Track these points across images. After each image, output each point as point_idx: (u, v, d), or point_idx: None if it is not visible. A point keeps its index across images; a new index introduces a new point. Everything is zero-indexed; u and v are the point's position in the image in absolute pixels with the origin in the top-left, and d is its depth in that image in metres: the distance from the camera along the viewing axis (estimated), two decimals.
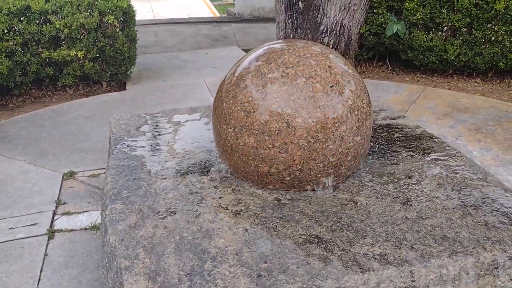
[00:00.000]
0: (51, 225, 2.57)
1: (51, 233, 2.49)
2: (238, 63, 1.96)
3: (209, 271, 1.43)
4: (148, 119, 2.62)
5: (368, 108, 1.87)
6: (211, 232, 1.61)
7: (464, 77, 5.07)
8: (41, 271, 2.22)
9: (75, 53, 4.46)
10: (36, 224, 2.58)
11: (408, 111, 4.09)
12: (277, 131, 1.73)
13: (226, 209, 1.74)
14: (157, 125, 2.53)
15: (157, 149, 2.24)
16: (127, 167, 2.05)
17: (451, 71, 5.06)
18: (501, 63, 4.66)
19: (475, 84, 4.92)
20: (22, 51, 4.40)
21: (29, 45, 4.45)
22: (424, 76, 5.18)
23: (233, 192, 1.86)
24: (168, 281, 1.38)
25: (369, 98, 1.93)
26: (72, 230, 2.54)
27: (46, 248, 2.38)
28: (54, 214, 2.68)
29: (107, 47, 4.63)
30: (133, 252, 1.50)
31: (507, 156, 3.28)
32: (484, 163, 3.19)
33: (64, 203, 2.79)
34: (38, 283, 2.14)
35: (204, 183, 1.93)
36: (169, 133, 2.43)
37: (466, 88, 4.84)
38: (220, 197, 1.82)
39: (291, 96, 1.73)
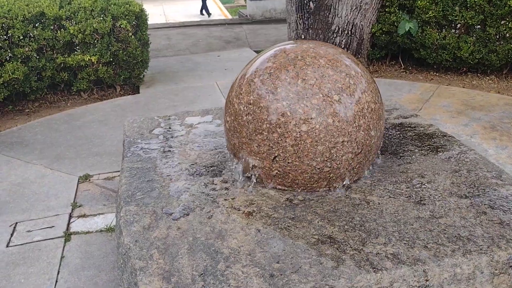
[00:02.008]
0: (68, 228, 2.62)
1: (67, 236, 2.53)
2: (249, 64, 1.97)
3: (222, 271, 1.44)
4: (161, 121, 2.65)
5: (380, 108, 1.87)
6: (224, 233, 1.62)
7: (478, 74, 5.01)
8: (58, 273, 2.26)
9: (89, 58, 4.52)
10: (53, 226, 2.62)
11: (422, 110, 4.06)
12: (287, 133, 1.74)
13: (239, 210, 1.75)
14: (169, 128, 2.56)
15: (170, 151, 2.26)
16: (140, 170, 2.07)
17: (465, 68, 5.01)
18: None
19: (490, 81, 4.86)
20: (38, 57, 4.48)
21: (44, 51, 4.53)
22: (437, 74, 5.14)
23: (245, 193, 1.87)
24: (182, 281, 1.40)
25: (381, 98, 1.92)
26: (88, 232, 2.58)
27: (63, 250, 2.42)
28: (70, 216, 2.72)
29: (120, 51, 4.69)
30: (147, 253, 1.52)
31: None
32: (499, 161, 3.15)
33: (80, 206, 2.83)
34: (55, 285, 2.18)
35: (216, 184, 1.95)
36: (181, 135, 2.45)
37: (480, 85, 4.78)
38: (232, 198, 1.84)
39: (303, 98, 1.74)
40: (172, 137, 2.44)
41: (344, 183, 1.87)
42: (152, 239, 1.59)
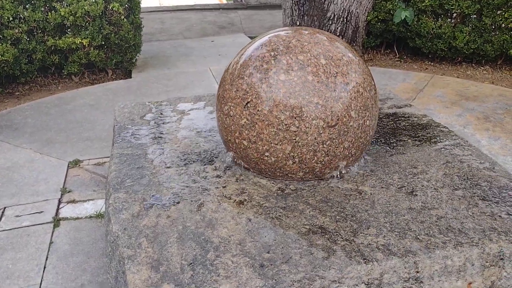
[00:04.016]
0: (57, 213, 2.59)
1: (56, 221, 2.51)
2: (242, 51, 1.94)
3: (212, 260, 1.42)
4: (153, 107, 2.61)
5: (374, 97, 1.84)
6: (214, 222, 1.60)
7: (473, 65, 5.00)
8: (46, 259, 2.23)
9: (80, 41, 4.45)
10: (42, 212, 2.59)
11: (416, 100, 4.05)
12: (281, 122, 1.71)
13: (230, 199, 1.73)
14: (161, 114, 2.52)
15: (161, 138, 2.23)
16: (130, 156, 2.04)
17: (460, 58, 4.99)
18: (511, 51, 4.59)
19: (484, 72, 4.85)
20: (28, 39, 4.39)
21: (35, 33, 4.44)
22: (432, 63, 5.12)
23: (237, 181, 1.85)
24: (171, 270, 1.38)
25: (375, 86, 1.90)
26: (77, 218, 2.55)
27: (52, 236, 2.40)
28: (59, 202, 2.69)
29: (112, 35, 4.61)
30: (136, 241, 1.50)
31: None
32: (492, 152, 3.15)
33: (69, 191, 2.80)
34: (43, 271, 2.16)
35: (208, 172, 1.92)
36: (173, 121, 2.42)
37: (475, 76, 4.77)
38: (223, 187, 1.81)
39: (295, 86, 1.71)
40: (163, 123, 2.40)
41: (337, 173, 1.85)
42: (141, 227, 1.57)
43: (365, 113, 1.76)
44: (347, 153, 1.78)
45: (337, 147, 1.74)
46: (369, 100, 1.78)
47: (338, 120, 1.70)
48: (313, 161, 1.74)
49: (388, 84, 4.45)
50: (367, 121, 1.78)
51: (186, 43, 6.48)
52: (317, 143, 1.71)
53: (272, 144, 1.73)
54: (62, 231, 2.44)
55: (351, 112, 1.73)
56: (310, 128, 1.69)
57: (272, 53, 1.79)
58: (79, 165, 3.10)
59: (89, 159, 3.18)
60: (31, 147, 3.36)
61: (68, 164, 3.11)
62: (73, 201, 2.70)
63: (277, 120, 1.70)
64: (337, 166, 1.83)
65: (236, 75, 1.83)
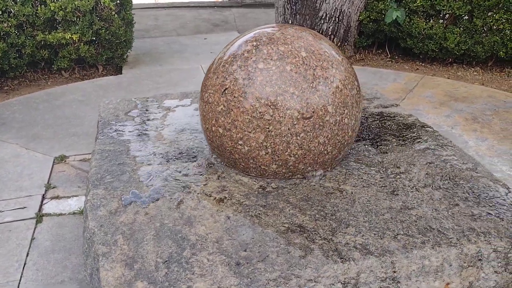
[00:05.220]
0: (40, 209, 2.57)
1: (39, 217, 2.48)
2: (230, 43, 1.93)
3: (187, 258, 1.41)
4: (138, 104, 2.60)
5: (356, 97, 1.83)
6: (193, 219, 1.59)
7: (464, 66, 5.01)
8: (27, 255, 2.21)
9: (70, 36, 4.41)
10: (24, 207, 2.57)
11: (405, 100, 4.05)
12: (255, 109, 1.69)
13: (210, 196, 1.72)
14: (146, 110, 2.50)
15: (145, 134, 2.21)
16: (112, 152, 2.03)
17: (450, 59, 5.00)
18: (501, 52, 4.60)
19: (475, 73, 4.86)
20: (17, 33, 4.35)
21: (24, 28, 4.41)
22: (423, 64, 5.12)
23: (218, 179, 1.84)
24: (145, 268, 1.37)
25: (358, 87, 1.89)
26: (60, 214, 2.53)
27: (34, 232, 2.38)
28: (43, 198, 2.67)
29: (103, 30, 4.58)
30: (111, 238, 1.48)
31: (503, 147, 3.24)
32: (479, 153, 3.16)
33: (54, 187, 2.78)
34: (23, 267, 2.14)
35: (189, 169, 1.91)
36: (158, 118, 2.40)
37: (465, 77, 4.78)
38: (204, 184, 1.80)
39: (272, 75, 1.70)
40: (148, 120, 2.39)
41: (319, 172, 1.84)
42: (118, 224, 1.55)
43: (344, 110, 1.75)
44: (322, 149, 1.76)
45: (311, 141, 1.72)
46: (349, 98, 1.77)
47: (313, 112, 1.69)
48: (286, 153, 1.73)
49: (379, 84, 4.44)
50: (346, 119, 1.76)
51: (180, 40, 6.46)
52: (290, 134, 1.70)
53: (245, 132, 1.72)
54: (45, 227, 2.42)
55: (328, 107, 1.71)
56: (284, 117, 1.68)
57: (255, 43, 1.79)
58: (65, 161, 3.08)
59: (75, 155, 3.15)
60: (17, 142, 3.33)
61: (54, 159, 3.08)
62: (57, 197, 2.68)
63: (251, 108, 1.69)
64: (311, 163, 1.80)
65: (219, 63, 1.83)
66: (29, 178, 2.86)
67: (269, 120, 1.68)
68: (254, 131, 1.70)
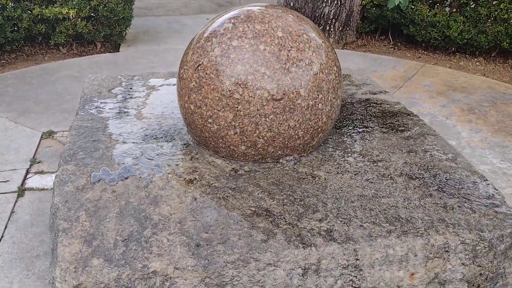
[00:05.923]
0: (23, 183, 2.57)
1: (21, 191, 2.49)
2: (209, 24, 1.89)
3: (147, 238, 1.40)
4: (123, 81, 2.57)
5: (333, 82, 1.79)
6: (159, 199, 1.58)
7: (467, 55, 4.91)
8: (5, 228, 2.22)
9: (67, 10, 4.38)
10: (7, 181, 2.57)
11: (402, 88, 3.99)
12: (225, 87, 1.66)
13: (180, 177, 1.71)
14: (130, 88, 2.48)
15: (125, 112, 2.19)
16: (89, 129, 2.01)
17: (453, 48, 4.90)
18: (505, 43, 4.50)
19: (477, 63, 4.77)
20: (13, 6, 4.32)
21: (21, 1, 4.37)
22: (425, 52, 5.03)
23: (191, 160, 1.82)
24: (104, 245, 1.36)
25: (338, 73, 1.85)
26: (43, 189, 2.53)
27: (14, 205, 2.38)
28: (27, 172, 2.67)
29: (101, 7, 4.54)
30: (74, 215, 1.48)
31: (496, 139, 3.19)
32: (470, 145, 3.11)
33: (39, 162, 2.78)
34: (0, 240, 2.15)
35: (164, 149, 1.89)
36: (141, 97, 2.38)
37: (467, 67, 4.69)
38: (176, 165, 1.79)
39: (245, 53, 1.66)
40: (131, 97, 2.37)
41: (293, 156, 1.82)
42: (83, 201, 1.54)
43: (317, 95, 1.71)
44: (293, 133, 1.72)
45: (281, 124, 1.69)
46: (325, 83, 1.73)
47: (284, 94, 1.66)
48: (254, 135, 1.70)
49: (378, 70, 4.38)
50: (319, 104, 1.72)
51: (181, 19, 6.40)
52: (259, 115, 1.67)
53: (215, 111, 1.69)
54: (26, 201, 2.42)
55: (300, 90, 1.67)
56: (254, 97, 1.65)
57: (233, 21, 1.75)
58: (53, 136, 3.08)
59: (63, 131, 3.15)
60: (7, 116, 3.33)
61: (42, 134, 3.08)
62: (41, 172, 2.68)
63: (221, 85, 1.66)
64: (282, 147, 1.77)
65: (198, 40, 1.80)
66: (16, 152, 2.87)
67: (238, 99, 1.65)
68: (223, 110, 1.67)
